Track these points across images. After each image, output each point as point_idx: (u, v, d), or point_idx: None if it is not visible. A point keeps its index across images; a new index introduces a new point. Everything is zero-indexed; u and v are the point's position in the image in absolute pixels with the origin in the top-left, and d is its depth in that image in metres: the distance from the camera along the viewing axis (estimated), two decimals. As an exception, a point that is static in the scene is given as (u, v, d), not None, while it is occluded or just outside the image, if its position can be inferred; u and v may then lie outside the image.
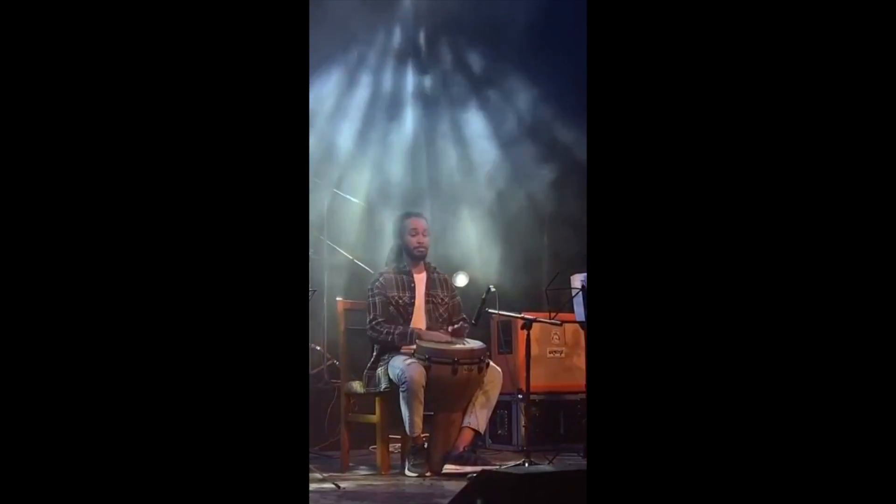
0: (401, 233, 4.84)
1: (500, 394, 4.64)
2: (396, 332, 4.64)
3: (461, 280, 4.91)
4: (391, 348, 4.66)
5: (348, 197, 6.12)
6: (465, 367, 4.44)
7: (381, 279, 4.79)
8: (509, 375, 5.13)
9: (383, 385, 4.58)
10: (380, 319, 4.68)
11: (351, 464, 4.79)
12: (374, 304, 4.72)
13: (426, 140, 6.82)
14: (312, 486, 3.94)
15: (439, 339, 4.62)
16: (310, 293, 5.80)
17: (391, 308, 4.71)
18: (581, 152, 5.92)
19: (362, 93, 6.73)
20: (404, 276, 4.79)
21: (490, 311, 4.82)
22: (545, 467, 4.14)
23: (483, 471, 3.26)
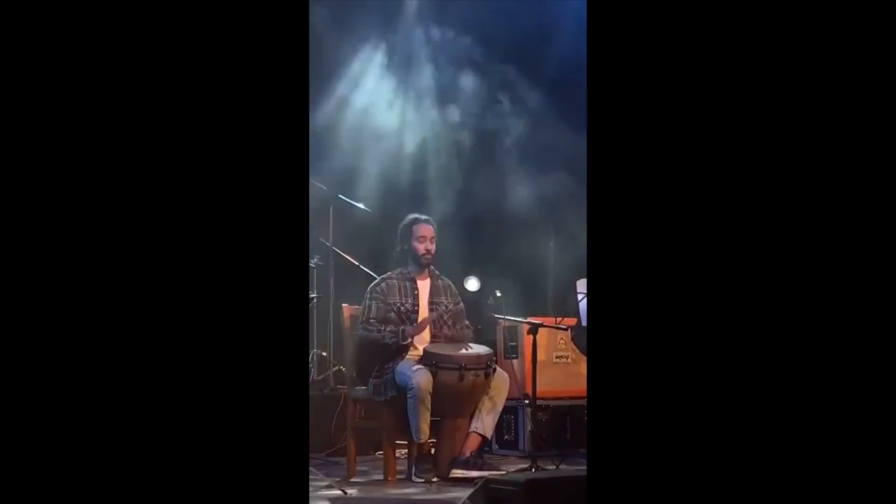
0: (408, 238, 4.78)
1: (507, 399, 4.63)
2: (388, 329, 4.61)
3: (472, 284, 4.87)
4: (383, 348, 4.61)
5: (354, 203, 6.12)
6: (472, 372, 4.43)
7: (382, 284, 4.74)
8: (515, 381, 5.12)
9: (390, 393, 4.54)
10: (372, 321, 4.65)
11: (358, 470, 4.79)
12: (370, 307, 4.68)
13: (431, 145, 6.84)
14: (319, 493, 3.95)
15: (432, 327, 4.61)
16: (313, 299, 5.84)
17: (391, 314, 4.67)
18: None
19: (367, 96, 6.75)
20: (407, 283, 4.76)
21: (496, 316, 4.81)
22: (551, 472, 4.13)
23: (489, 476, 3.26)
